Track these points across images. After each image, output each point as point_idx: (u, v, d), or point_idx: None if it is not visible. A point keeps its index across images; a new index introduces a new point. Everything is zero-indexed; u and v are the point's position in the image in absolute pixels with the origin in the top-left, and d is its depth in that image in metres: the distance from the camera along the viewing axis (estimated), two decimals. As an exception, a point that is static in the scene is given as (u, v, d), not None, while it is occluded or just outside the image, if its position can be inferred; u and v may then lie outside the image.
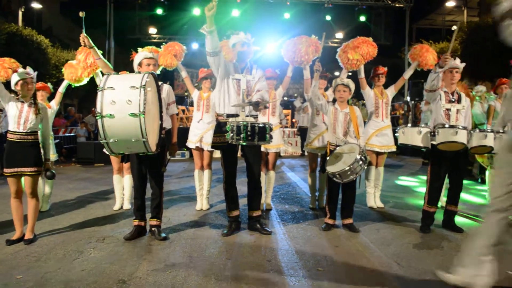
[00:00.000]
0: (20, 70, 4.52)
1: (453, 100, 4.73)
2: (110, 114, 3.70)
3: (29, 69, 4.52)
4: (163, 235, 4.53)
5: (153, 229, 4.56)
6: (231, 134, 4.25)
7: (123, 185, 5.94)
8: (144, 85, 3.77)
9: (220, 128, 4.58)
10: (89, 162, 11.76)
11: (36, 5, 17.59)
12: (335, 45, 19.80)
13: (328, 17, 16.48)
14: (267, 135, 4.30)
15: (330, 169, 4.56)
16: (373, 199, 6.01)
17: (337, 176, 4.46)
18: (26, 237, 4.40)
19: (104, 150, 5.06)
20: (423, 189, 6.54)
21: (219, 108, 4.65)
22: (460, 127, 4.48)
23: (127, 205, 5.92)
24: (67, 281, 3.38)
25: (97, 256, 3.97)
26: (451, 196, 4.89)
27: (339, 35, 18.85)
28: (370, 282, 3.35)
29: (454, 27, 4.90)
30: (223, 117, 4.59)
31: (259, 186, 4.81)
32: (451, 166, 4.77)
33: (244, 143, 4.27)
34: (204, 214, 5.68)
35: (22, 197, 4.49)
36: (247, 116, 4.52)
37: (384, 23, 16.62)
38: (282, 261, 3.82)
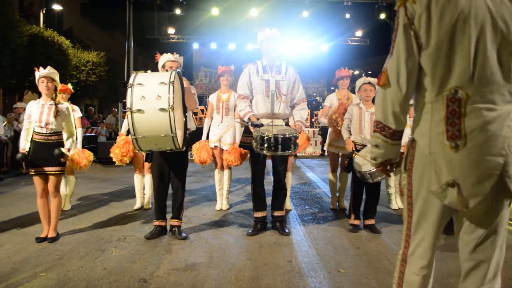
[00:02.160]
0: (41, 69, 4.53)
1: None
2: (140, 110, 3.75)
3: (48, 69, 4.52)
4: (184, 235, 4.56)
5: (173, 229, 4.58)
6: (255, 144, 4.19)
7: (143, 185, 5.99)
8: (173, 81, 3.82)
9: (248, 128, 4.57)
10: (110, 162, 11.84)
11: (57, 7, 17.88)
12: (355, 43, 19.64)
13: (347, 15, 16.32)
14: (291, 145, 4.13)
15: (359, 169, 4.46)
16: (395, 200, 5.92)
17: (368, 176, 4.36)
18: (49, 236, 4.48)
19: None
20: None
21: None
22: None
23: (147, 204, 5.96)
24: (89, 279, 3.42)
25: (119, 255, 4.00)
26: None
27: (359, 33, 18.67)
28: (392, 284, 3.30)
29: None
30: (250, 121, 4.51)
31: (284, 188, 4.81)
32: None
33: (268, 153, 4.16)
34: (224, 214, 5.69)
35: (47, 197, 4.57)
36: (277, 120, 4.45)
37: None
38: (303, 262, 3.79)
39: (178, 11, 15.51)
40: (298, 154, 13.26)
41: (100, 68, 17.72)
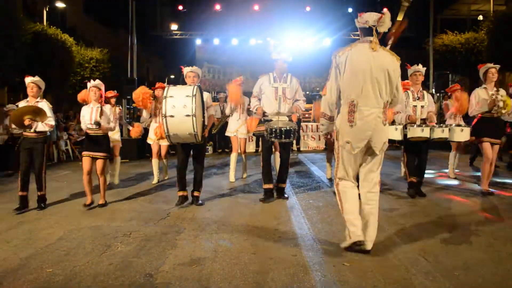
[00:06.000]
0: (92, 81, 6.03)
1: (418, 98, 6.04)
2: (172, 115, 5.21)
3: (94, 81, 5.98)
4: (200, 202, 5.93)
5: (194, 198, 5.95)
6: (266, 133, 5.77)
7: (158, 166, 7.94)
8: (195, 94, 5.28)
9: (261, 121, 6.06)
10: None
11: (60, 4, 17.89)
12: (357, 37, 19.54)
13: (350, 9, 16.27)
14: (292, 135, 5.74)
15: None
16: None
17: None
18: (100, 203, 5.98)
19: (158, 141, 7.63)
20: (450, 182, 7.49)
21: (263, 107, 6.04)
22: (424, 126, 5.90)
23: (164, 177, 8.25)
24: (95, 274, 3.45)
25: (124, 250, 4.03)
26: (418, 171, 6.18)
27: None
28: (397, 277, 3.31)
29: (480, 17, 5.26)
30: (264, 115, 6.04)
31: (287, 167, 6.25)
32: (418, 149, 6.12)
33: (275, 140, 5.80)
34: (228, 208, 5.71)
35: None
36: (283, 117, 5.90)
37: (407, 14, 16.14)
38: (307, 256, 3.80)
39: (180, 7, 15.52)
40: (301, 149, 13.28)
41: (104, 65, 17.71)
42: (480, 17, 18.48)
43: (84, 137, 6.18)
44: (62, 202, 6.36)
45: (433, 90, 14.83)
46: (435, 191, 6.70)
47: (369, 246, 3.80)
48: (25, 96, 14.46)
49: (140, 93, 7.46)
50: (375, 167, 3.88)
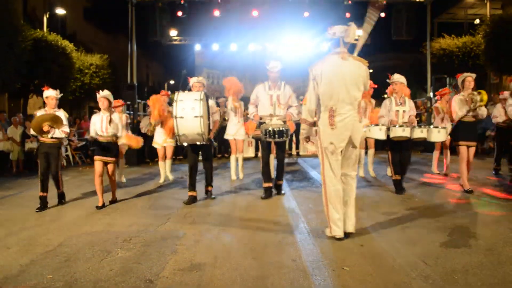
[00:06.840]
0: (101, 91, 6.45)
1: (400, 103, 6.77)
2: (181, 116, 5.78)
3: (103, 92, 6.43)
4: (213, 196, 6.66)
5: (208, 192, 6.67)
6: (261, 134, 6.47)
7: (164, 166, 8.55)
8: (202, 99, 5.87)
9: (258, 126, 6.83)
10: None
11: (60, 11, 17.95)
12: (355, 42, 19.56)
13: (348, 14, 16.27)
14: (284, 135, 6.42)
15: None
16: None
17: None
18: (112, 199, 6.59)
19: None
20: (451, 186, 7.52)
21: (259, 113, 6.71)
22: (405, 126, 6.58)
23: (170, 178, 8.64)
24: (96, 280, 3.46)
25: (124, 256, 4.04)
26: (401, 167, 6.80)
27: (360, 31, 18.61)
28: (396, 281, 3.32)
29: (477, 21, 5.46)
30: (260, 119, 6.71)
31: (283, 165, 6.95)
32: (401, 148, 6.73)
33: (269, 140, 6.46)
34: (227, 214, 5.71)
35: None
36: (277, 120, 6.57)
37: (405, 19, 16.19)
38: (307, 260, 3.81)
39: (179, 14, 15.55)
40: (301, 153, 13.29)
41: (104, 71, 17.74)
42: (477, 21, 18.55)
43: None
44: (62, 207, 6.37)
45: (431, 93, 14.84)
46: (434, 194, 6.72)
47: (351, 229, 4.40)
48: (26, 102, 14.57)
49: (156, 103, 8.02)
50: (352, 163, 4.45)
